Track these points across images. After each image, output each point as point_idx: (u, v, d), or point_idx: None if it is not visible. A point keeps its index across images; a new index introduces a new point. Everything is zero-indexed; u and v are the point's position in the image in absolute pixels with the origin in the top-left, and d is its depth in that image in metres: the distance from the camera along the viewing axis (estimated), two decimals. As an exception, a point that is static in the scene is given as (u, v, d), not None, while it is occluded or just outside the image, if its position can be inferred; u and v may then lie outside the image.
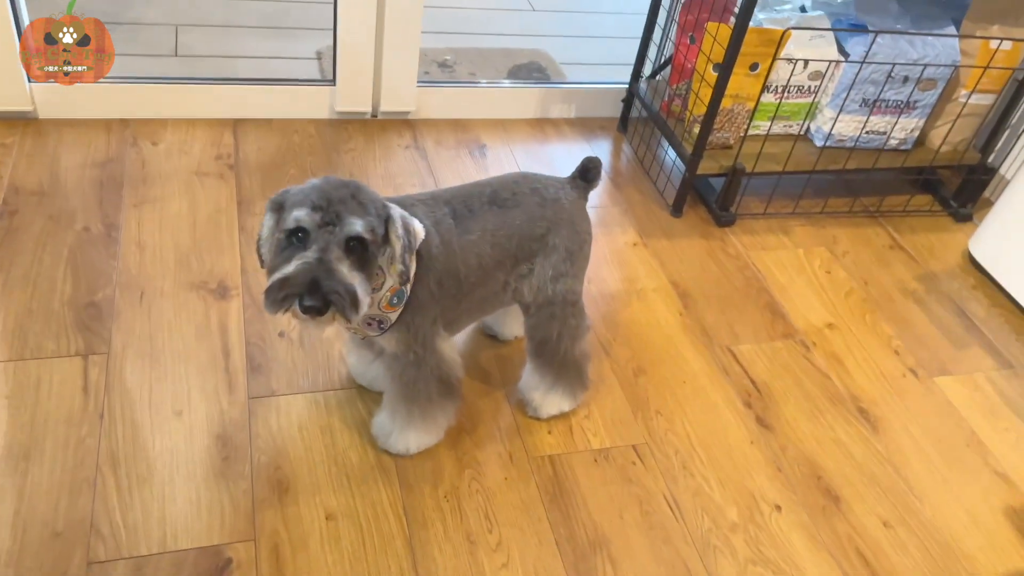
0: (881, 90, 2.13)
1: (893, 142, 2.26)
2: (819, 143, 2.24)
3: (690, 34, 2.14)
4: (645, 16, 2.29)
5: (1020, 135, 2.33)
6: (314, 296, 1.10)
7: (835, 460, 1.64)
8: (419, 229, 1.23)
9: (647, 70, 2.38)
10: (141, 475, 1.38)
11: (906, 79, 2.13)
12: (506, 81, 2.59)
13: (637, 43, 2.33)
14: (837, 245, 2.19)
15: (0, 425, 1.41)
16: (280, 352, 1.63)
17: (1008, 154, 2.37)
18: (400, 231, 1.19)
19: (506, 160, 2.27)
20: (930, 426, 1.75)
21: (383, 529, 1.38)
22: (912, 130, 2.25)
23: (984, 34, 2.14)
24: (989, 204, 2.39)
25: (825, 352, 1.87)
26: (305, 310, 1.11)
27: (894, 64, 2.06)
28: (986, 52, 2.13)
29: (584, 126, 2.47)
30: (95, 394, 1.49)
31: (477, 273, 1.36)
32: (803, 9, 2.23)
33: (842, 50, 2.13)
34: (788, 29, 1.99)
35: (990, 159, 2.34)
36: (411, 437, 1.45)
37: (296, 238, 1.15)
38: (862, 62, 2.04)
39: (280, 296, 1.12)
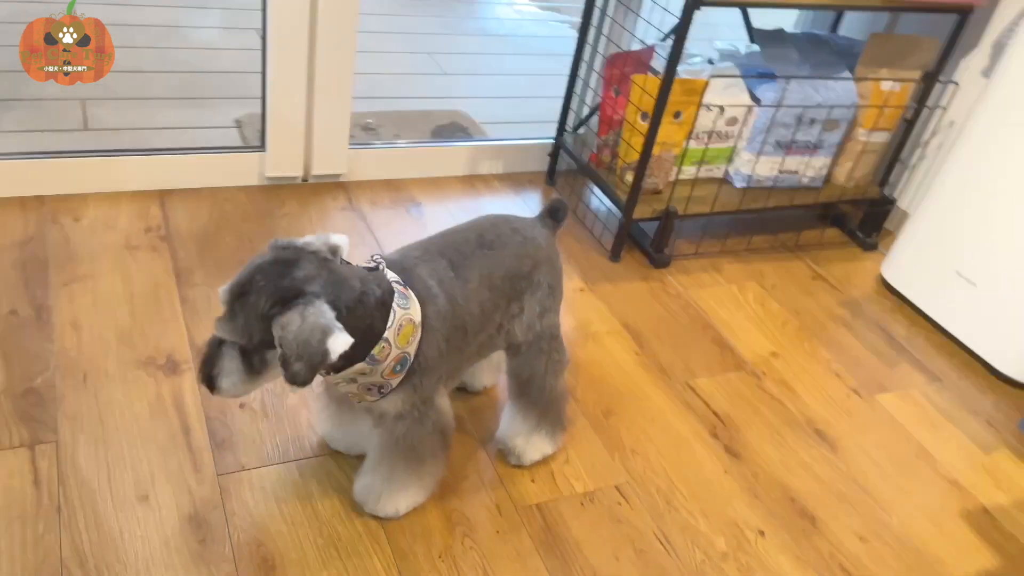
0: (793, 132, 2.28)
1: (805, 180, 2.41)
2: (739, 184, 2.36)
3: (614, 87, 2.23)
4: (555, 75, 2.37)
5: (912, 168, 2.53)
6: (201, 369, 1.19)
7: (804, 482, 1.69)
8: (337, 343, 1.08)
9: (572, 123, 2.46)
10: (113, 569, 1.27)
11: (812, 121, 2.29)
12: (435, 141, 2.61)
13: (546, 101, 2.41)
14: (765, 279, 2.30)
15: (-58, 530, 1.27)
16: (244, 424, 1.55)
17: (904, 187, 2.57)
18: (284, 340, 1.07)
19: (443, 216, 2.28)
20: (881, 442, 1.83)
21: (382, 597, 1.32)
22: (821, 168, 2.41)
23: (876, 77, 2.33)
24: (889, 233, 2.58)
25: (775, 380, 1.95)
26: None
27: (804, 108, 2.22)
28: (878, 93, 2.32)
29: (513, 181, 2.52)
30: (48, 486, 1.37)
31: (480, 320, 1.35)
32: (711, 61, 2.37)
33: (753, 97, 2.27)
34: (708, 79, 2.11)
35: (892, 192, 2.53)
36: (402, 498, 1.40)
37: None
38: (777, 106, 2.18)
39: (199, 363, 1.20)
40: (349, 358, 1.16)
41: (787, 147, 2.31)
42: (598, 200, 2.50)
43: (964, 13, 2.21)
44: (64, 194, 2.03)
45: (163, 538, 1.33)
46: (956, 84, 2.34)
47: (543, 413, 1.53)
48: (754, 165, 2.31)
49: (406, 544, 1.40)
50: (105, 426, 1.49)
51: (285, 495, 1.44)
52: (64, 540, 1.29)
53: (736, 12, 2.47)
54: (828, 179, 2.48)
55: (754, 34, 2.43)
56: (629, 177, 2.18)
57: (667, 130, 2.14)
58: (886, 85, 2.32)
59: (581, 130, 2.47)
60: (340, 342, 1.08)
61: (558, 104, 2.41)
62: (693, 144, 2.25)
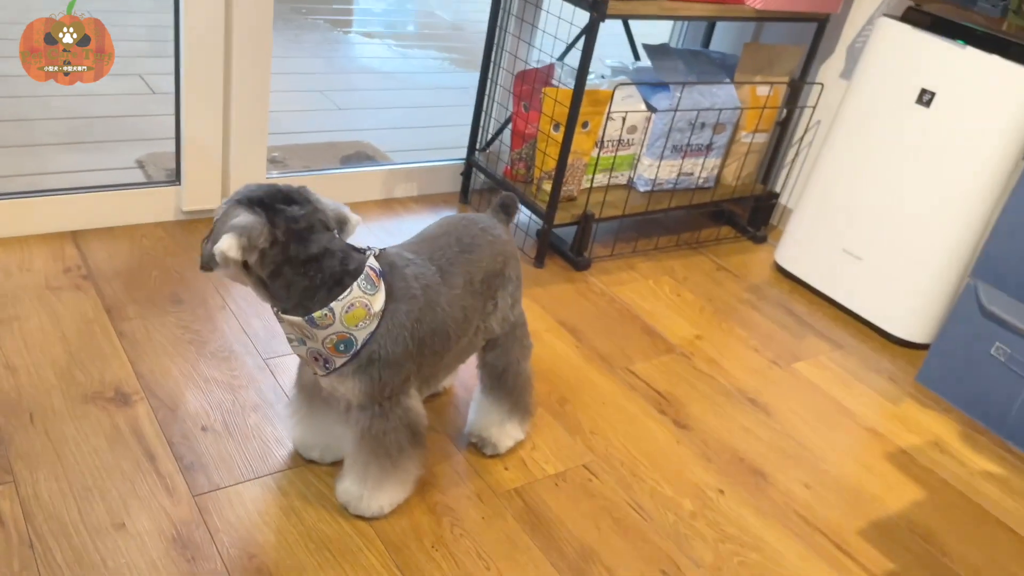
0: (688, 137, 2.46)
1: (700, 181, 2.61)
2: (643, 189, 2.52)
3: (524, 102, 2.35)
4: (445, 105, 2.47)
5: (790, 165, 2.78)
6: None
7: (747, 443, 1.82)
8: (219, 246, 1.15)
9: (482, 142, 2.55)
10: (102, 597, 1.22)
11: (703, 125, 2.48)
12: (349, 166, 2.64)
13: (446, 129, 2.50)
14: (676, 273, 2.46)
15: (-97, 582, 1.18)
16: (209, 446, 1.52)
17: (784, 183, 2.81)
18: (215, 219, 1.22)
19: (367, 236, 2.31)
20: (805, 403, 2.00)
21: (385, 590, 1.32)
22: (712, 169, 2.62)
23: (752, 82, 2.56)
24: (775, 228, 2.82)
25: (703, 359, 2.08)
26: None
27: (697, 111, 2.41)
28: (755, 98, 2.56)
29: (429, 201, 2.57)
30: (15, 525, 1.29)
31: (462, 325, 1.39)
32: (603, 77, 2.54)
33: (649, 106, 2.45)
34: (613, 89, 2.26)
35: (774, 187, 2.77)
36: (383, 496, 1.41)
37: None
38: (674, 110, 2.36)
39: None
40: (287, 306, 1.25)
41: (683, 151, 2.50)
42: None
43: (821, 21, 2.48)
44: (-33, 241, 1.92)
45: (149, 561, 1.28)
46: (821, 85, 2.61)
47: (515, 401, 1.58)
48: (656, 170, 2.48)
49: (398, 539, 1.41)
50: (63, 461, 1.42)
51: (266, 508, 1.42)
52: (43, 574, 1.23)
53: (620, 32, 2.66)
54: (719, 180, 2.68)
55: (642, 49, 2.62)
56: (547, 186, 2.29)
57: (577, 139, 2.27)
58: (761, 90, 2.56)
59: (492, 147, 2.57)
60: (224, 244, 1.13)
61: (456, 131, 2.50)
62: (601, 153, 2.39)
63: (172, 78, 2.07)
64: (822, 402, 2.01)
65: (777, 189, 2.80)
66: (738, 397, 1.97)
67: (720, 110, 2.46)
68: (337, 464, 1.50)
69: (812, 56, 2.54)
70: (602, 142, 2.38)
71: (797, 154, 2.75)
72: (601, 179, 2.46)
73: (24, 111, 2.67)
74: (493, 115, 2.51)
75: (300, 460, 1.53)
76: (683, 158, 2.51)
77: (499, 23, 2.35)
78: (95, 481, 1.40)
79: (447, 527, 1.45)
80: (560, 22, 2.29)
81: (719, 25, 2.84)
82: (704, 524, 1.58)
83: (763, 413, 1.93)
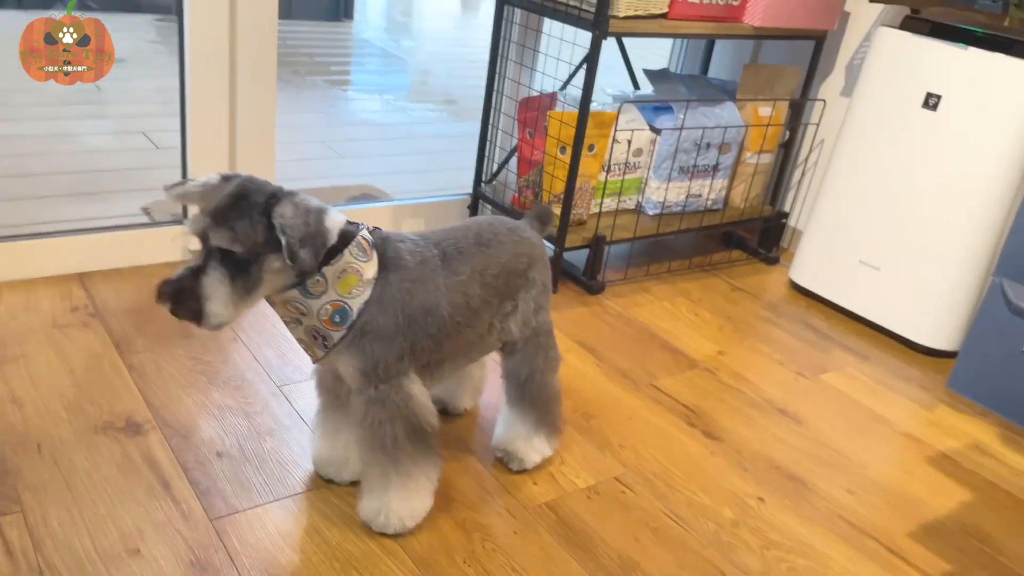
0: (694, 157, 2.46)
1: (708, 203, 2.59)
2: (652, 212, 2.50)
3: (528, 130, 2.34)
4: (443, 152, 2.47)
5: (797, 185, 2.77)
6: (170, 299, 1.15)
7: (782, 452, 1.75)
8: (333, 220, 1.19)
9: (487, 173, 2.54)
10: (117, 623, 1.14)
11: (709, 145, 2.48)
12: (356, 203, 2.63)
13: (448, 172, 2.49)
14: (691, 295, 2.42)
15: (-95, 616, 1.10)
16: (225, 470, 1.45)
17: (792, 203, 2.80)
18: (286, 225, 1.13)
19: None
20: (837, 412, 1.93)
21: (417, 607, 1.24)
22: (720, 190, 2.60)
23: (753, 100, 2.57)
24: (785, 250, 2.79)
25: (728, 373, 2.03)
26: (170, 311, 1.17)
27: (702, 128, 2.41)
28: (758, 119, 2.56)
29: (437, 235, 2.55)
30: (24, 555, 1.22)
31: (464, 313, 1.35)
32: (604, 105, 2.55)
33: (654, 129, 2.45)
34: (617, 111, 2.26)
35: (782, 206, 2.75)
36: (397, 506, 1.33)
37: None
38: (679, 128, 2.36)
39: (158, 293, 1.17)
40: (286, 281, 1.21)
41: (690, 172, 2.49)
42: (520, 245, 2.57)
43: (819, 39, 2.50)
44: (-28, 286, 1.89)
45: (167, 586, 1.21)
46: (824, 101, 2.62)
47: (542, 414, 1.52)
48: (664, 192, 2.47)
49: (427, 555, 1.33)
50: (73, 490, 1.36)
51: (288, 529, 1.35)
52: (54, 604, 1.15)
53: (620, 62, 2.68)
54: (727, 202, 2.67)
55: (644, 74, 2.63)
56: (556, 210, 2.27)
57: (584, 162, 2.26)
58: (764, 110, 2.56)
59: (499, 176, 2.56)
60: (335, 219, 1.18)
61: (459, 173, 2.49)
62: (609, 177, 2.38)
63: (177, 134, 2.07)
64: (854, 411, 1.95)
65: (786, 209, 2.78)
66: (767, 408, 1.90)
67: (725, 128, 2.46)
68: (356, 484, 1.43)
69: (812, 74, 2.55)
70: (609, 165, 2.36)
71: (804, 174, 2.74)
72: (610, 203, 2.44)
73: (28, 166, 2.67)
74: (498, 144, 2.51)
75: (320, 482, 1.46)
76: (690, 179, 2.50)
77: (500, 52, 2.36)
78: (107, 509, 1.33)
79: (478, 542, 1.38)
80: (563, 44, 2.30)
81: (717, 50, 2.87)
82: (747, 532, 1.50)
83: (795, 423, 1.86)
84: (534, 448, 1.54)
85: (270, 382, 1.71)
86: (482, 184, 2.53)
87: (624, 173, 2.43)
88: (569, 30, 2.16)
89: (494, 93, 2.41)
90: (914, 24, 2.22)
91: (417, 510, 1.37)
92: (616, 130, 2.28)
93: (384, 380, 1.28)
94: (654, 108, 2.48)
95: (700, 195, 2.56)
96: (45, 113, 3.21)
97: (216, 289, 1.14)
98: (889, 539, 1.54)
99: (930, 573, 1.47)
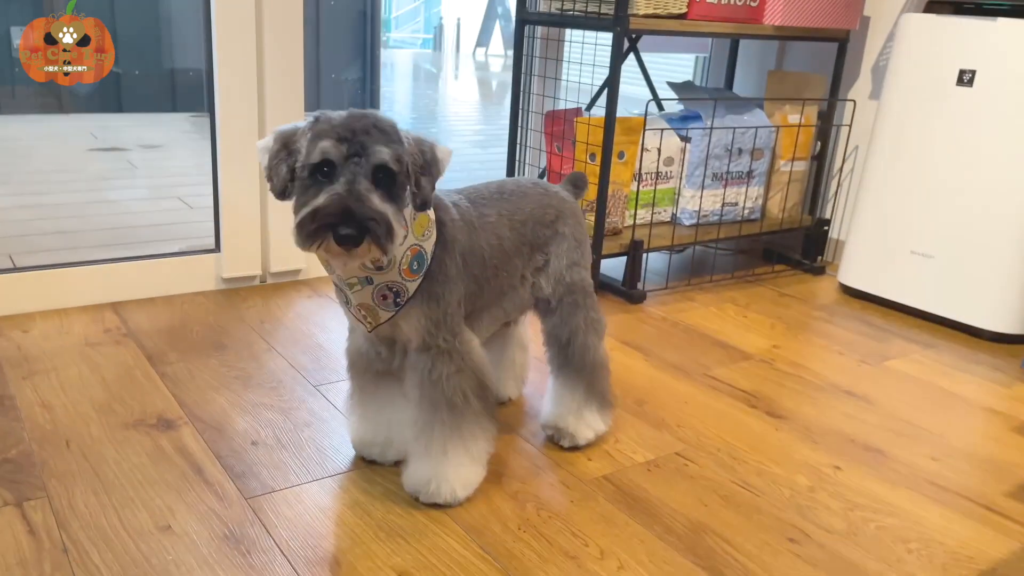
0: (726, 164, 2.42)
1: (746, 211, 2.53)
2: (688, 222, 2.44)
3: (556, 143, 2.33)
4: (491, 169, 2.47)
5: (837, 193, 2.71)
6: (349, 224, 1.03)
7: (855, 427, 1.62)
8: (444, 152, 1.16)
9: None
10: (145, 591, 1.04)
11: (740, 151, 2.44)
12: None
13: None
14: (738, 301, 2.33)
15: (-80, 590, 1.02)
16: (261, 457, 1.37)
17: (832, 211, 2.72)
18: (412, 152, 1.11)
19: (412, 294, 2.22)
20: (908, 392, 1.80)
21: (471, 570, 1.13)
22: (757, 199, 2.54)
23: (781, 115, 2.54)
24: (829, 263, 2.70)
25: (786, 362, 1.91)
26: (341, 240, 1.03)
27: (732, 128, 2.37)
28: (790, 128, 2.53)
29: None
30: (47, 533, 1.14)
31: (498, 255, 1.29)
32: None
33: (683, 139, 2.42)
34: (644, 116, 2.25)
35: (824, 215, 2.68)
36: (451, 474, 1.24)
37: (322, 172, 1.07)
38: (710, 127, 2.33)
39: (312, 228, 1.04)
40: None
41: (723, 179, 2.44)
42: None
43: (842, 42, 2.49)
44: (2, 315, 1.86)
45: (200, 557, 1.11)
46: (854, 102, 2.58)
47: (590, 384, 1.43)
48: (698, 201, 2.42)
49: (478, 523, 1.23)
50: (102, 478, 1.28)
51: (327, 505, 1.25)
52: (79, 575, 1.06)
53: (642, 86, 2.69)
54: (764, 212, 2.61)
55: (668, 87, 2.63)
56: (590, 218, 2.22)
57: (615, 170, 2.23)
58: (793, 118, 2.53)
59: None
60: (444, 151, 1.15)
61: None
62: (642, 187, 2.34)
63: (209, 197, 2.09)
64: (926, 390, 1.82)
65: (826, 216, 2.70)
66: (832, 390, 1.78)
67: (756, 129, 2.42)
68: (399, 465, 1.34)
69: (838, 78, 2.53)
70: (640, 174, 2.33)
71: (840, 183, 2.68)
72: (644, 215, 2.39)
73: (66, 226, 2.71)
74: (527, 162, 2.49)
75: (361, 464, 1.37)
76: (724, 187, 2.45)
77: (523, 69, 2.38)
78: (136, 493, 1.25)
79: (532, 511, 1.27)
80: (582, 67, 2.31)
81: (740, 64, 2.86)
82: (826, 496, 1.37)
83: (864, 402, 1.74)
84: (585, 423, 1.44)
85: (306, 383, 1.64)
86: (513, 207, 2.50)
87: (656, 183, 2.39)
88: (590, 39, 2.18)
89: (520, 111, 2.42)
90: (937, 7, 2.20)
91: (471, 479, 1.27)
92: (645, 134, 2.26)
93: (449, 331, 1.22)
94: (682, 118, 2.46)
95: (736, 203, 2.50)
96: (83, 186, 3.29)
97: (388, 208, 1.06)
98: (985, 499, 1.40)
99: (1037, 528, 1.32)
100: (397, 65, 10.39)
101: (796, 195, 2.63)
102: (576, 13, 2.15)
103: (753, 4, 2.27)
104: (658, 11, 2.08)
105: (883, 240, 2.31)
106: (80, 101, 4.94)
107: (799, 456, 1.50)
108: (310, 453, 1.39)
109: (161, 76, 5.14)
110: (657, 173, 2.38)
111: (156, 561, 1.10)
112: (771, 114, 2.55)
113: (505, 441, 1.47)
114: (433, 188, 1.14)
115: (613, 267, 2.35)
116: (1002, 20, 2.03)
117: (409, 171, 1.11)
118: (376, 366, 1.32)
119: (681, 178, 2.44)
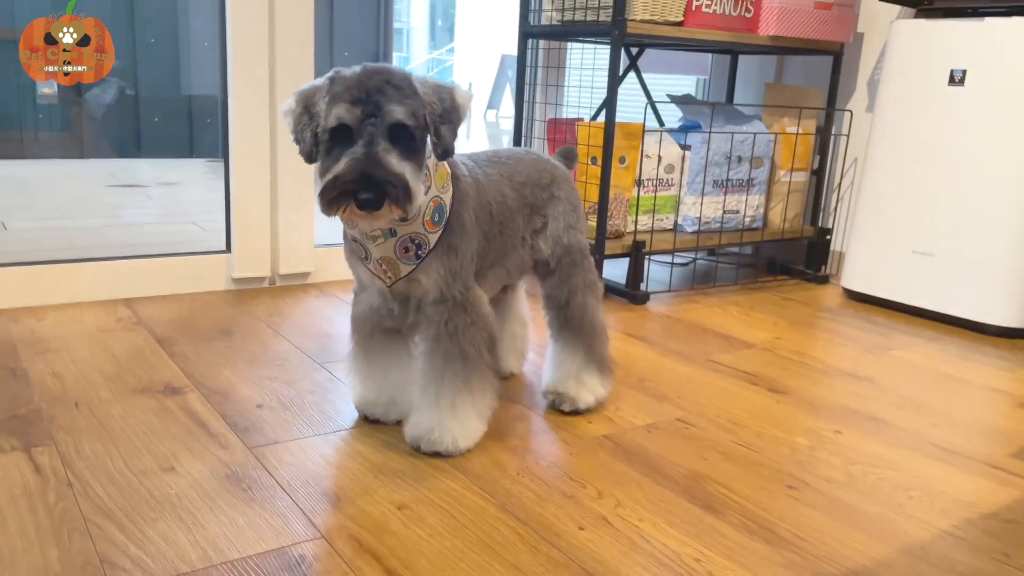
0: (726, 171, 2.47)
1: (747, 220, 2.57)
2: (690, 229, 2.48)
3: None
4: None
5: (836, 207, 2.74)
6: (368, 189, 1.07)
7: (858, 402, 1.62)
8: (464, 96, 1.19)
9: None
10: (148, 517, 1.06)
11: (740, 159, 2.49)
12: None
13: None
14: (741, 304, 2.34)
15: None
16: (266, 416, 1.39)
17: (834, 222, 2.75)
18: (427, 101, 1.15)
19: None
20: (912, 376, 1.81)
21: (469, 505, 1.13)
22: (758, 207, 2.58)
23: (779, 126, 2.60)
24: (833, 275, 2.72)
25: (789, 350, 1.92)
26: (361, 204, 1.08)
27: (732, 135, 2.43)
28: (788, 139, 2.58)
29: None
30: (54, 472, 1.16)
31: (503, 213, 1.33)
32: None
33: (683, 148, 2.48)
34: (643, 123, 2.31)
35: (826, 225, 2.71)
36: (457, 422, 1.25)
37: (340, 136, 1.11)
38: (708, 132, 2.38)
39: (334, 195, 1.09)
40: None
41: (724, 186, 2.49)
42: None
43: (836, 54, 2.56)
44: (17, 307, 1.90)
45: (202, 492, 1.13)
46: (851, 112, 2.64)
47: (589, 346, 1.45)
48: (699, 207, 2.46)
49: (476, 469, 1.24)
50: (109, 430, 1.30)
51: (329, 454, 1.27)
52: (83, 505, 1.08)
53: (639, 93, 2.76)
54: (766, 221, 2.64)
55: (668, 98, 2.69)
56: (592, 221, 2.26)
57: (616, 174, 2.28)
58: (791, 129, 2.59)
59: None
60: (464, 95, 1.17)
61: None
62: (643, 193, 2.39)
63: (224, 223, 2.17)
64: (931, 375, 1.82)
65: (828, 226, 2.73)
66: (836, 374, 1.79)
67: (754, 135, 2.48)
68: (401, 424, 1.35)
69: (834, 91, 2.59)
70: (640, 179, 2.38)
71: (840, 195, 2.72)
72: (646, 221, 2.43)
73: (82, 241, 2.77)
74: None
75: (363, 423, 1.39)
76: (725, 194, 2.49)
77: (527, 79, 2.45)
78: (143, 442, 1.27)
79: (532, 461, 1.28)
80: (583, 58, 2.39)
81: (740, 80, 2.93)
82: (827, 454, 1.37)
83: (867, 382, 1.74)
84: (586, 387, 1.46)
85: (311, 361, 1.67)
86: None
87: (656, 189, 2.43)
88: (592, 51, 2.26)
89: (523, 120, 2.49)
90: (927, 13, 2.27)
91: (473, 433, 1.29)
92: (645, 139, 2.31)
93: (463, 283, 1.25)
94: (682, 128, 2.52)
95: (737, 211, 2.54)
96: (100, 214, 3.37)
97: (405, 166, 1.10)
98: (988, 458, 1.39)
99: (1041, 482, 1.32)
100: (410, 122, 10.58)
101: (797, 206, 2.67)
102: (576, 21, 2.24)
103: (748, 15, 2.35)
104: (655, 17, 2.16)
105: (884, 241, 2.34)
106: (101, 146, 5.09)
107: (800, 423, 1.50)
108: (313, 415, 1.41)
109: (180, 122, 5.30)
110: (658, 180, 2.43)
111: (158, 493, 1.12)
112: (769, 125, 2.60)
113: (505, 407, 1.48)
114: (455, 135, 1.17)
115: (616, 272, 2.38)
116: (989, 20, 2.10)
117: (428, 122, 1.14)
118: (386, 323, 1.34)
119: (681, 185, 2.48)
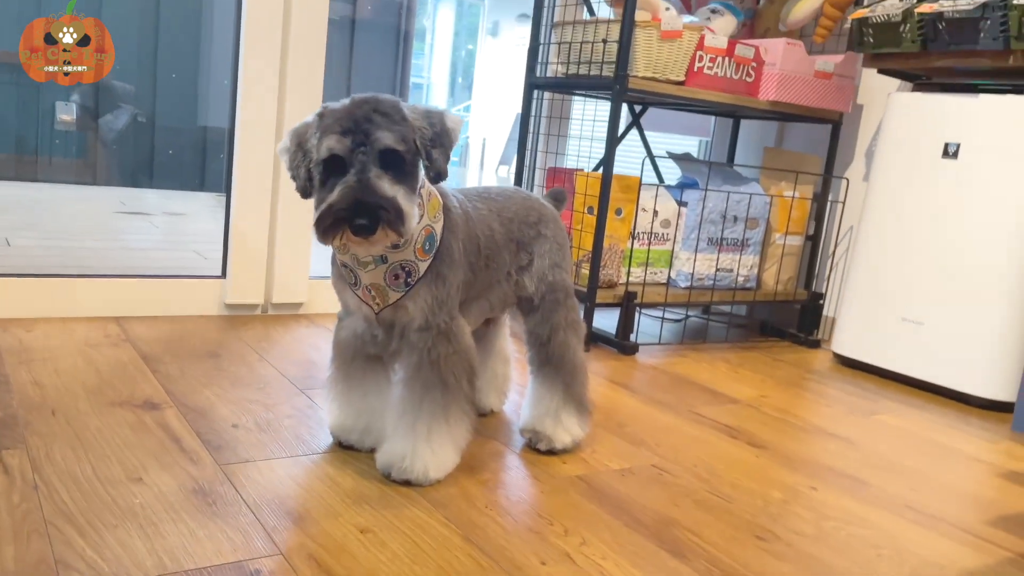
0: (721, 229, 2.49)
1: (740, 279, 2.58)
2: (683, 284, 2.50)
3: (557, 198, 2.42)
4: None
5: (830, 274, 2.76)
6: (361, 215, 1.10)
7: (839, 460, 1.62)
8: (454, 121, 1.21)
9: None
10: (108, 524, 1.05)
11: (735, 218, 2.52)
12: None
13: None
14: (730, 361, 2.35)
15: None
16: (240, 437, 1.39)
17: (827, 287, 2.77)
18: (417, 127, 1.17)
19: (408, 333, 2.27)
20: (895, 441, 1.80)
21: (433, 533, 1.13)
22: (752, 267, 2.60)
23: (776, 190, 2.64)
24: (824, 340, 2.73)
25: (773, 408, 1.92)
26: (356, 230, 1.11)
27: (728, 193, 2.46)
28: (784, 202, 2.62)
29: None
30: (21, 474, 1.16)
31: (490, 246, 1.35)
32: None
33: (680, 204, 2.51)
34: (640, 176, 2.34)
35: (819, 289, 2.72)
36: (426, 453, 1.25)
37: (333, 167, 1.14)
38: (704, 189, 2.42)
39: (329, 223, 1.11)
40: None
41: (718, 244, 2.51)
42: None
43: (835, 123, 2.61)
44: (7, 317, 1.92)
45: (166, 504, 1.12)
46: (847, 180, 2.68)
47: (568, 385, 1.45)
48: (693, 263, 2.48)
49: (444, 499, 1.23)
50: (81, 439, 1.30)
51: (298, 475, 1.26)
52: (46, 508, 1.08)
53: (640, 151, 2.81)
54: (760, 282, 2.66)
55: (668, 156, 2.74)
56: (585, 269, 2.28)
57: (612, 225, 2.31)
58: (788, 193, 2.63)
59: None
60: (454, 120, 1.19)
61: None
62: (637, 245, 2.41)
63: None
64: (914, 441, 1.81)
65: (822, 291, 2.75)
66: (817, 433, 1.78)
67: (750, 195, 2.51)
68: (375, 452, 1.35)
69: (832, 158, 2.63)
70: (635, 231, 2.41)
71: (834, 263, 2.74)
72: (638, 273, 2.45)
73: (83, 259, 2.80)
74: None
75: (337, 448, 1.38)
76: (719, 252, 2.52)
77: (531, 128, 2.50)
78: (113, 451, 1.27)
79: (502, 496, 1.27)
80: (584, 112, 2.43)
81: (740, 144, 2.98)
82: (800, 508, 1.36)
83: (847, 442, 1.74)
84: (563, 427, 1.46)
85: (293, 387, 1.67)
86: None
87: (651, 242, 2.46)
88: (596, 107, 2.31)
89: (524, 167, 2.53)
90: (925, 87, 2.32)
91: (445, 464, 1.29)
92: (641, 192, 2.35)
93: (448, 312, 1.26)
94: (680, 185, 2.56)
95: (731, 270, 2.56)
96: (104, 237, 3.41)
97: (398, 190, 1.12)
98: (964, 524, 1.38)
99: (1016, 551, 1.30)
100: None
101: (791, 269, 2.69)
102: (580, 75, 2.29)
103: (749, 79, 2.40)
104: (657, 75, 2.22)
105: (875, 308, 2.35)
106: (113, 174, 5.18)
107: (776, 476, 1.49)
108: (288, 437, 1.41)
109: (193, 157, 5.39)
110: (652, 233, 2.46)
111: (123, 503, 1.11)
112: (767, 188, 2.64)
113: (481, 443, 1.48)
114: (447, 159, 1.20)
115: (607, 323, 2.39)
116: (984, 96, 2.14)
117: (419, 147, 1.17)
118: (369, 349, 1.35)
119: (676, 240, 2.51)
